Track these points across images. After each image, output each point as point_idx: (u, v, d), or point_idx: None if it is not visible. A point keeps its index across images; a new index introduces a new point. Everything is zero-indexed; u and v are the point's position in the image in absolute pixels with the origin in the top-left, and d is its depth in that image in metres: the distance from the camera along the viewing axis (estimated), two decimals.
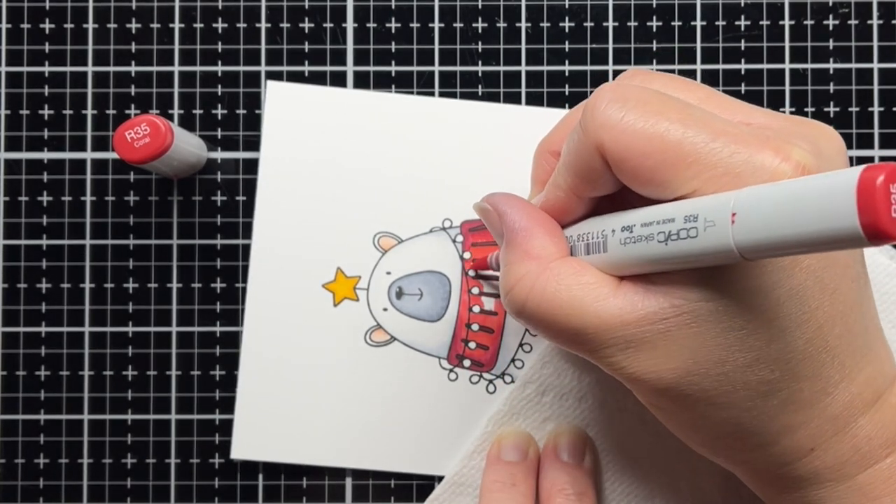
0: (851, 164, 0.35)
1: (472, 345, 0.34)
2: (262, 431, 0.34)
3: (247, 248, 0.35)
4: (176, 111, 0.35)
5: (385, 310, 0.34)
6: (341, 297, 0.34)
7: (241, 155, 0.35)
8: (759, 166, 0.20)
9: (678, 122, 0.20)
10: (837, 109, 0.35)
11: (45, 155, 0.35)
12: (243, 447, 0.34)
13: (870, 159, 0.35)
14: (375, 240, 0.34)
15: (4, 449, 0.35)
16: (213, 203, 0.35)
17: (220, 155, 0.35)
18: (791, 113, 0.35)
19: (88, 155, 0.35)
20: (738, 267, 0.20)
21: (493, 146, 0.34)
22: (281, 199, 0.34)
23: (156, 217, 0.35)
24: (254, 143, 0.35)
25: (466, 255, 0.34)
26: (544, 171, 0.27)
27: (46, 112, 0.35)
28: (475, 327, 0.34)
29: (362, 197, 0.34)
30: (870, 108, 0.35)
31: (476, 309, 0.34)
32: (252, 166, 0.35)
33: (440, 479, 0.34)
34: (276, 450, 0.34)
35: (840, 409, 0.22)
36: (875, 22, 0.35)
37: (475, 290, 0.34)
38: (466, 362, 0.34)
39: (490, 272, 0.34)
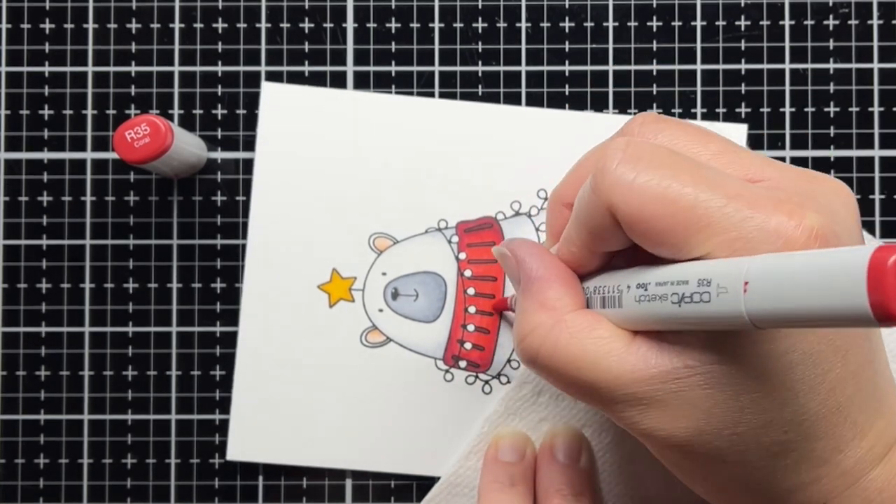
0: (852, 171, 0.35)
1: (468, 345, 0.34)
2: (257, 433, 0.34)
3: (246, 249, 0.35)
4: (176, 111, 0.35)
5: (381, 311, 0.34)
6: (337, 299, 0.34)
7: (241, 155, 0.35)
8: (771, 232, 0.19)
9: (691, 184, 0.20)
10: (837, 109, 0.35)
11: (45, 155, 0.35)
12: (239, 448, 0.34)
13: (870, 159, 0.35)
14: (371, 240, 0.34)
15: (4, 449, 0.35)
16: (213, 203, 0.35)
17: (220, 155, 0.35)
18: (791, 113, 0.35)
19: (88, 155, 0.35)
20: (751, 331, 0.20)
21: (489, 146, 0.34)
22: (276, 200, 0.34)
23: (156, 217, 0.35)
24: (254, 143, 0.35)
25: (462, 256, 0.34)
26: (558, 223, 0.27)
27: (46, 112, 0.35)
28: (471, 328, 0.34)
29: (358, 198, 0.34)
30: (870, 109, 0.35)
31: (472, 309, 0.34)
32: (252, 166, 0.35)
33: (438, 479, 0.34)
34: (272, 451, 0.34)
35: (852, 464, 0.22)
36: (875, 22, 0.35)
37: (471, 291, 0.34)
38: (462, 363, 0.34)
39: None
